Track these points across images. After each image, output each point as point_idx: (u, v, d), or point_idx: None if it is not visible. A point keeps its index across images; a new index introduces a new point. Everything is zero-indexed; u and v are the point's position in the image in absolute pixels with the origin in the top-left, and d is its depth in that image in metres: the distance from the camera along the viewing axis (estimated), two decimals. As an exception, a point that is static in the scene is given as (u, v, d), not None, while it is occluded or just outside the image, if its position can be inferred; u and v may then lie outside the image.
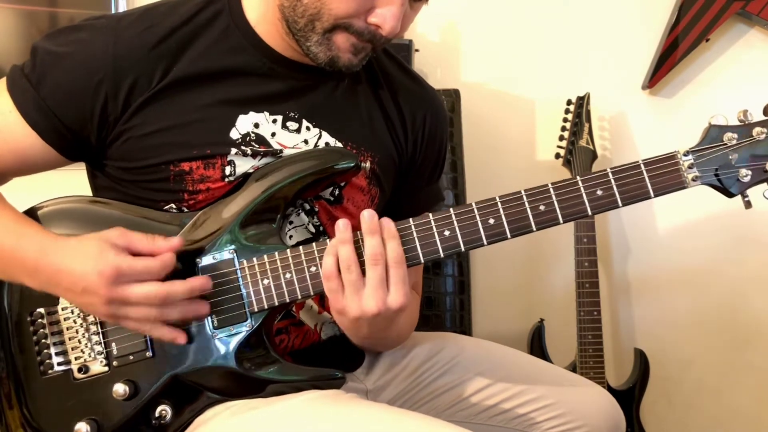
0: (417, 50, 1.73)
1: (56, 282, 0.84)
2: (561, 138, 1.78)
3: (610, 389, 1.74)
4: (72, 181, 1.07)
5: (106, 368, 0.90)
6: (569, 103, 1.78)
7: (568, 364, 1.75)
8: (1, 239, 0.87)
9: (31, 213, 0.94)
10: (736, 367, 1.94)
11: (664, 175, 0.85)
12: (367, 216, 0.84)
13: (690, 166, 0.85)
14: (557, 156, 1.78)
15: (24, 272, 0.86)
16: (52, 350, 0.91)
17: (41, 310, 0.91)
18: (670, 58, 1.81)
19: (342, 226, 0.84)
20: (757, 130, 0.84)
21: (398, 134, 1.05)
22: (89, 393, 0.90)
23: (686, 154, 0.85)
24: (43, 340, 0.91)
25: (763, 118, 0.85)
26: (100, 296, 0.81)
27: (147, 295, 0.81)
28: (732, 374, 1.95)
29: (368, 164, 0.97)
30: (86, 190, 1.03)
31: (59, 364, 0.91)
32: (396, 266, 0.83)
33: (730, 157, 0.85)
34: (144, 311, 0.82)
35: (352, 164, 0.92)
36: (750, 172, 0.84)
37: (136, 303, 0.81)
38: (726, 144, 0.85)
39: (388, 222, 0.84)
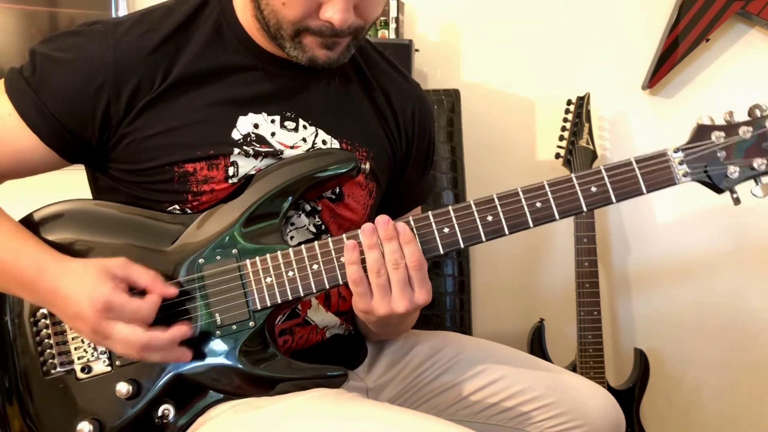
0: (417, 50, 1.73)
1: (51, 301, 0.87)
2: (561, 138, 1.79)
3: (610, 389, 1.74)
4: (73, 181, 1.07)
5: (109, 368, 0.90)
6: (569, 103, 1.78)
7: (568, 364, 1.76)
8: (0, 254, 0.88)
9: (35, 216, 0.94)
10: (736, 367, 1.95)
11: (656, 172, 0.87)
12: (382, 222, 0.86)
13: (680, 163, 0.87)
14: (557, 156, 1.79)
15: (21, 288, 0.89)
16: (55, 351, 0.91)
17: (44, 310, 0.92)
18: (670, 58, 1.81)
19: (368, 230, 0.85)
20: (743, 129, 0.87)
21: (391, 128, 1.06)
22: (92, 393, 0.90)
23: (676, 151, 0.87)
24: (46, 341, 0.91)
25: (748, 118, 0.88)
26: (88, 324, 0.83)
27: (128, 339, 0.83)
28: (732, 374, 1.95)
29: (368, 165, 0.98)
30: (87, 190, 1.03)
31: (62, 364, 0.91)
32: (416, 270, 0.86)
33: (719, 155, 0.87)
34: (125, 349, 0.85)
35: (352, 167, 0.93)
36: (738, 169, 0.87)
37: (117, 341, 0.84)
38: (714, 142, 0.87)
39: (403, 227, 0.86)
